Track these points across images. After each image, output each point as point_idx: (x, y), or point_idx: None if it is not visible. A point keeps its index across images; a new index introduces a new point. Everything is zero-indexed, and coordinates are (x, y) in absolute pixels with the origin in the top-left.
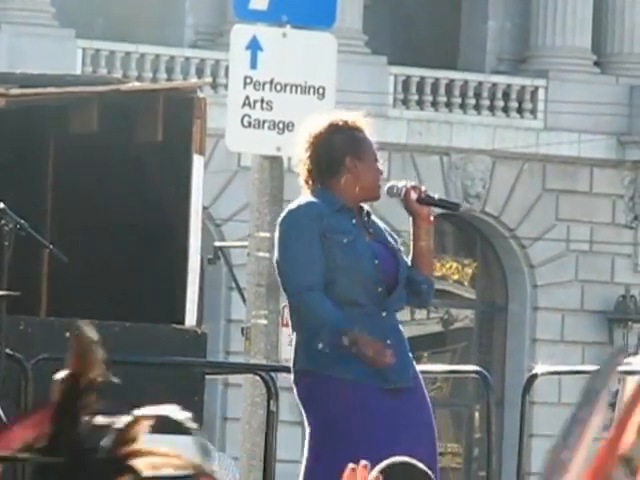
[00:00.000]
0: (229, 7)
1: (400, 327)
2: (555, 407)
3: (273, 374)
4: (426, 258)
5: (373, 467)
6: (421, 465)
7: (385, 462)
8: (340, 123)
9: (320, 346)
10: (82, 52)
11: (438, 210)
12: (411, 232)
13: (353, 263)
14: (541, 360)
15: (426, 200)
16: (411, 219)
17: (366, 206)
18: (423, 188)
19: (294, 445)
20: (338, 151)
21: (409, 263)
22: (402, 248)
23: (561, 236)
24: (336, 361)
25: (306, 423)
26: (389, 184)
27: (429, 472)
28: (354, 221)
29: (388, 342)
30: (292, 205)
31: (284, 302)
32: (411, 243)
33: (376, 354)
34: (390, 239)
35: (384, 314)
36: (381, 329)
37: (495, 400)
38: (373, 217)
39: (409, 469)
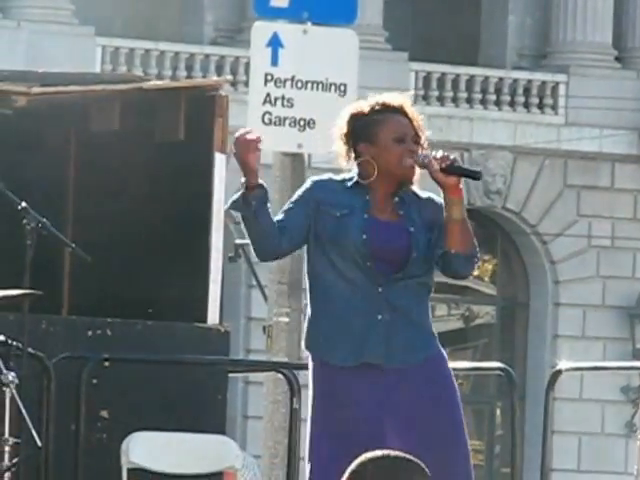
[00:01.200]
0: (248, 4)
1: (409, 306)
2: (577, 403)
3: (295, 371)
4: (452, 231)
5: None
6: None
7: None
8: (359, 111)
9: (254, 203)
10: (102, 50)
11: None
12: (444, 204)
13: (341, 236)
14: (563, 356)
15: (448, 168)
16: (442, 191)
17: (423, 193)
18: (451, 157)
19: None
20: (353, 139)
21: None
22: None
23: (582, 232)
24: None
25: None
26: (418, 154)
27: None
28: (367, 198)
29: (379, 317)
30: None
31: (306, 300)
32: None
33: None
34: (420, 223)
35: (380, 289)
36: (373, 304)
37: (518, 396)
38: (421, 201)
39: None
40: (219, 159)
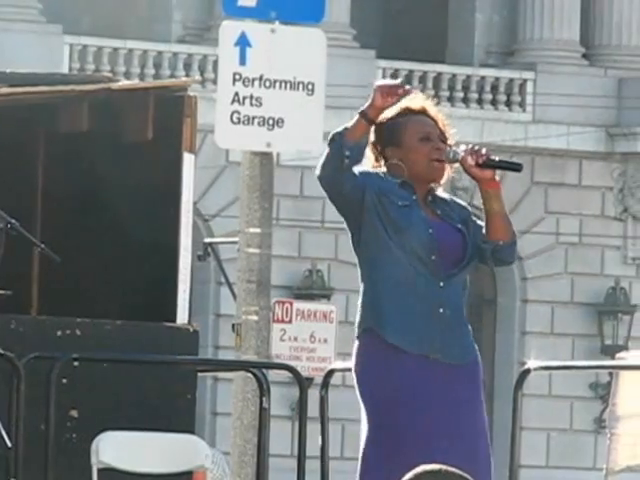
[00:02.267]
0: (216, 2)
1: (462, 303)
2: (545, 399)
3: (265, 370)
4: (496, 223)
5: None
6: (452, 469)
7: (416, 470)
8: (383, 117)
9: (347, 153)
10: (69, 48)
11: None
12: (482, 199)
13: (406, 226)
14: (531, 353)
15: (486, 164)
16: (478, 185)
17: (444, 194)
18: (483, 151)
19: (285, 440)
20: (381, 146)
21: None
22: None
23: (550, 229)
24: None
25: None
26: (446, 150)
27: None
28: (414, 197)
29: (441, 311)
30: None
31: (275, 298)
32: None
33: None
34: (458, 222)
35: (441, 284)
36: (435, 298)
37: (486, 394)
38: (448, 202)
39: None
40: (188, 159)
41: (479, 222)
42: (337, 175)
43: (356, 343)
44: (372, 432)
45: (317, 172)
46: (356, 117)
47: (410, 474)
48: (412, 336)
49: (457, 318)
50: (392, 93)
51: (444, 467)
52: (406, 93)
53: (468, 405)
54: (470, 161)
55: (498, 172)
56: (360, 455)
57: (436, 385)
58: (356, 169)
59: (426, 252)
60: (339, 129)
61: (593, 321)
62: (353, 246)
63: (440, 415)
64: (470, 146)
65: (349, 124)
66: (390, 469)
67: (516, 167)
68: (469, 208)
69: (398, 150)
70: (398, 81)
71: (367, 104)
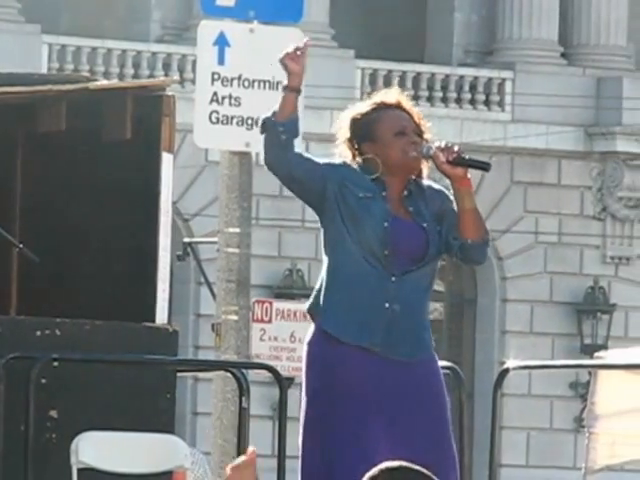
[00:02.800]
0: (195, 2)
1: (418, 301)
2: (525, 398)
3: (245, 370)
4: (466, 220)
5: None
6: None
7: (378, 467)
8: (357, 112)
9: (281, 129)
10: (48, 48)
11: None
12: (453, 195)
13: (363, 217)
14: (511, 352)
15: (456, 161)
16: (450, 182)
17: (426, 183)
18: (455, 148)
19: (265, 440)
20: (356, 141)
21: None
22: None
23: (529, 228)
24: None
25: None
26: (421, 145)
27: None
28: (384, 193)
29: (386, 306)
30: None
31: (254, 298)
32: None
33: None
34: (429, 219)
35: (393, 279)
36: (384, 292)
37: (466, 393)
38: (426, 194)
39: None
40: (166, 158)
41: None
42: (279, 154)
43: (309, 331)
44: (305, 418)
45: (262, 160)
46: (281, 95)
47: (370, 472)
48: (351, 327)
49: (408, 314)
50: (296, 55)
51: (404, 463)
52: (305, 48)
53: (409, 401)
54: (442, 158)
55: (478, 173)
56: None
57: (373, 378)
58: (319, 159)
59: (379, 246)
60: (267, 114)
61: (572, 320)
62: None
63: (374, 407)
64: (443, 143)
65: (276, 106)
66: (322, 457)
67: (485, 166)
68: (450, 197)
69: (374, 145)
70: (296, 45)
71: (286, 77)
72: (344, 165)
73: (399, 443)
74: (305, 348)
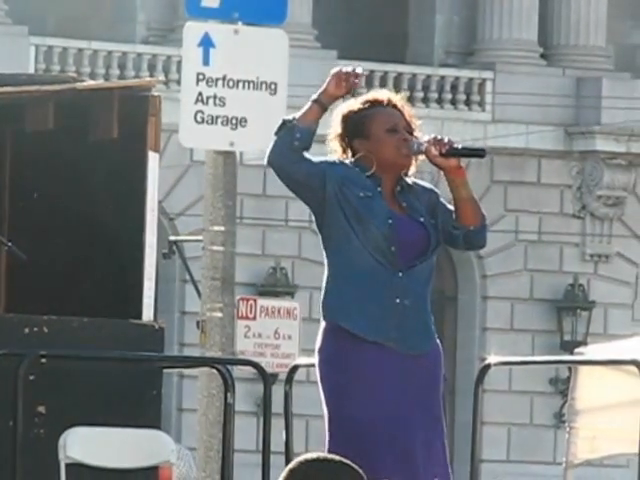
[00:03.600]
0: (180, 3)
1: (424, 293)
2: (506, 394)
3: (230, 366)
4: (465, 209)
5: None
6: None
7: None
8: (350, 110)
9: (297, 135)
10: (35, 49)
11: None
12: (449, 187)
13: (367, 216)
14: (492, 349)
15: (450, 152)
16: (444, 174)
17: (412, 180)
18: (446, 139)
19: (249, 435)
20: (348, 138)
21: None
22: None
23: (510, 227)
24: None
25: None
26: (410, 142)
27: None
28: (379, 189)
29: (397, 301)
30: None
31: (239, 295)
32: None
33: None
34: (423, 213)
35: (400, 274)
36: (393, 287)
37: (447, 389)
38: (415, 190)
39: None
40: (152, 157)
41: (449, 206)
42: (287, 158)
43: (321, 327)
44: (329, 419)
45: (266, 158)
46: (308, 103)
47: (291, 464)
48: (367, 323)
49: (417, 308)
50: (346, 81)
51: (322, 455)
52: (356, 84)
53: (424, 394)
54: (434, 151)
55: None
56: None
57: (390, 373)
58: (317, 158)
59: (386, 243)
60: (288, 117)
61: (552, 317)
62: (318, 229)
63: (393, 403)
64: (433, 136)
65: (299, 112)
66: (349, 453)
67: (480, 153)
68: (437, 191)
69: (366, 142)
70: (352, 69)
71: (320, 90)
72: (341, 164)
73: (418, 446)
74: (319, 346)
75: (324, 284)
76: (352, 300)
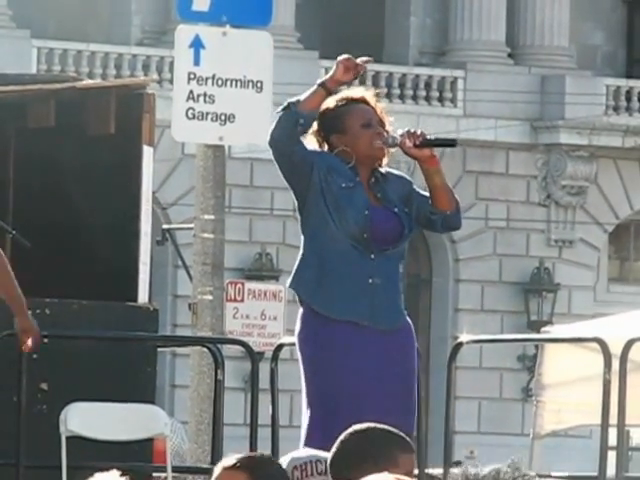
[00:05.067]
0: (172, 8)
1: (395, 273)
2: (477, 371)
3: (219, 345)
4: (440, 195)
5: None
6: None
7: (347, 431)
8: (326, 107)
9: (301, 121)
10: (37, 51)
11: None
12: (423, 176)
13: (345, 205)
14: (464, 328)
15: (423, 143)
16: (418, 163)
17: (387, 170)
18: (419, 132)
19: (238, 410)
20: (325, 133)
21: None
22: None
23: (480, 214)
24: (317, 294)
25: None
26: (385, 136)
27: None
28: (358, 179)
29: (370, 281)
30: None
31: (227, 279)
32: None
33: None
34: (397, 203)
35: (372, 256)
36: (366, 268)
37: (422, 366)
38: (389, 180)
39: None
40: (147, 151)
41: (423, 193)
42: (289, 141)
43: (300, 310)
44: (309, 396)
45: (268, 138)
46: (314, 87)
47: (341, 437)
48: (340, 304)
49: (388, 287)
50: (352, 68)
51: (372, 425)
52: (362, 70)
53: (399, 367)
54: (408, 143)
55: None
56: (304, 420)
57: (366, 350)
58: (310, 147)
59: (359, 231)
60: (293, 99)
61: (520, 299)
62: (299, 213)
63: (371, 378)
64: (406, 129)
65: (303, 95)
66: (327, 432)
67: (451, 142)
68: (410, 180)
69: (343, 136)
70: (364, 58)
71: (328, 75)
72: (328, 155)
73: (397, 415)
74: (298, 328)
75: (296, 266)
76: (325, 282)
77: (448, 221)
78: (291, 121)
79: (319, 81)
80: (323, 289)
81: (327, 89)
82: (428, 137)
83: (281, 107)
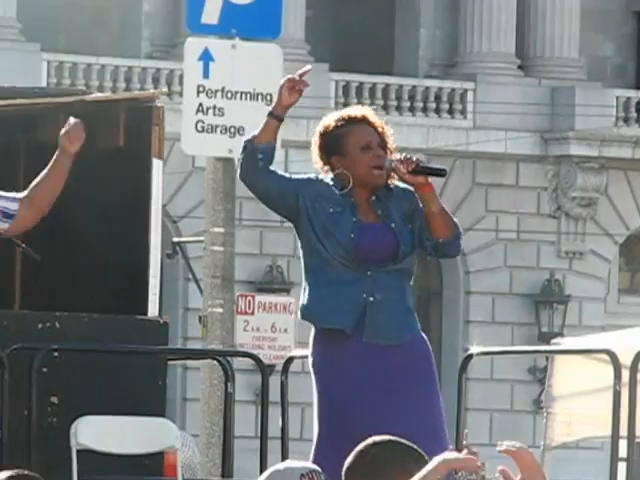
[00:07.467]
0: (182, 21)
1: (399, 288)
2: (488, 382)
3: (230, 358)
4: (435, 222)
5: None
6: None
7: (367, 441)
8: (326, 127)
9: (260, 156)
10: (47, 64)
11: None
12: (419, 201)
13: (333, 231)
14: (474, 340)
15: (416, 170)
16: (414, 189)
17: (396, 185)
18: (414, 158)
19: (248, 422)
20: (326, 154)
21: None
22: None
23: (490, 226)
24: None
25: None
26: (383, 159)
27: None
28: (352, 200)
29: (371, 299)
30: None
31: (238, 292)
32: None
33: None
34: (398, 219)
35: (369, 273)
36: (360, 285)
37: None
38: (395, 196)
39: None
40: (156, 164)
41: None
42: (256, 177)
43: (312, 331)
44: (319, 410)
45: (237, 176)
46: (265, 119)
47: (360, 446)
48: (326, 312)
49: (388, 302)
50: (296, 87)
51: (392, 438)
52: (306, 85)
53: (395, 381)
54: (402, 169)
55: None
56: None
57: (370, 366)
58: (295, 176)
59: (346, 253)
60: (248, 137)
61: (530, 310)
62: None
63: (373, 392)
64: (403, 155)
65: (257, 130)
66: (336, 447)
67: (440, 172)
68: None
69: (342, 159)
70: (302, 70)
71: (274, 104)
72: (317, 180)
73: (387, 421)
74: (311, 345)
75: (302, 288)
76: (321, 298)
77: (441, 249)
78: (251, 157)
79: (268, 111)
80: (318, 303)
81: (277, 117)
82: (422, 165)
83: (241, 147)
